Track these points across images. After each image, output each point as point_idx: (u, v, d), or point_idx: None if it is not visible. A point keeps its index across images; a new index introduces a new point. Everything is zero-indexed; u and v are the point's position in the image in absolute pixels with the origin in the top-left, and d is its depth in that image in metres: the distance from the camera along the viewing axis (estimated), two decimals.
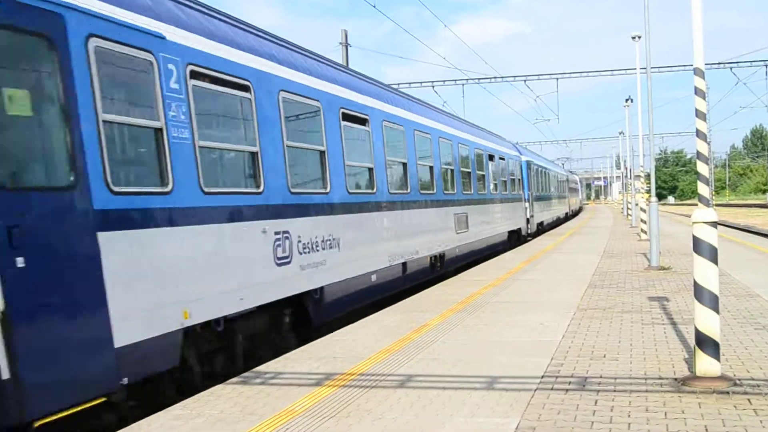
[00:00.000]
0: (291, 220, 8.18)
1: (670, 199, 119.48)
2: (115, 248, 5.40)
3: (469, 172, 17.45)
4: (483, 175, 19.08)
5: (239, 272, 7.04)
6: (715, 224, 5.47)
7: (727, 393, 5.13)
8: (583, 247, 19.60)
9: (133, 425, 5.06)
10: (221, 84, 7.13)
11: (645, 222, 20.18)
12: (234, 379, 6.27)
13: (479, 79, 38.16)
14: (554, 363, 6.23)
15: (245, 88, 7.50)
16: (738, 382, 5.39)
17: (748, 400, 4.96)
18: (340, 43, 25.06)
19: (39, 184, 5.01)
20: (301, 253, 8.35)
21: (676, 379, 5.53)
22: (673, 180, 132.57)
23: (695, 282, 5.52)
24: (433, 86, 37.81)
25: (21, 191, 4.75)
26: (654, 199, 15.78)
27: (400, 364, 6.43)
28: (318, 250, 8.85)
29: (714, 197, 66.35)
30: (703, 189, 5.61)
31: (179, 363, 6.17)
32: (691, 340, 6.14)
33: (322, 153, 9.29)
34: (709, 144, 6.23)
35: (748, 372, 5.69)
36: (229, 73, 7.21)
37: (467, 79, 38.48)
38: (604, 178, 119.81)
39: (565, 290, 10.82)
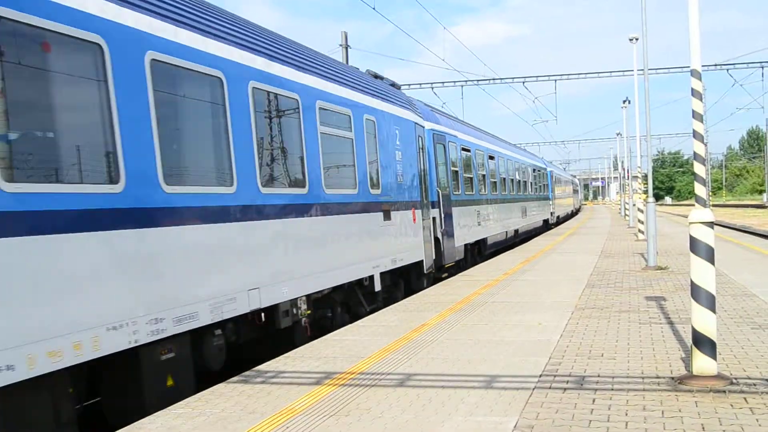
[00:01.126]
0: (480, 206, 18.85)
1: (668, 199, 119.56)
2: (458, 213, 15.80)
3: (526, 181, 29.04)
4: (531, 183, 30.77)
5: (469, 227, 17.12)
6: (711, 224, 5.51)
7: (724, 392, 5.17)
8: (581, 248, 19.66)
9: (135, 423, 5.10)
10: (466, 151, 17.90)
11: (642, 222, 20.24)
12: (235, 378, 6.30)
13: (478, 80, 38.19)
14: (552, 362, 6.27)
15: (468, 150, 18.30)
16: (734, 381, 5.43)
17: (745, 398, 5.01)
18: (340, 45, 25.07)
19: (447, 192, 15.38)
20: (484, 221, 19.16)
21: (673, 378, 5.57)
22: (670, 181, 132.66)
23: (692, 282, 5.56)
24: (432, 88, 37.85)
25: (442, 196, 14.68)
26: (651, 199, 15.85)
27: (399, 363, 6.47)
28: (486, 219, 19.53)
29: (711, 198, 66.43)
30: (699, 190, 5.65)
31: (463, 256, 16.21)
32: (688, 340, 6.19)
33: (483, 176, 20.04)
34: (705, 145, 6.28)
35: (744, 371, 5.73)
36: (468, 147, 18.15)
37: (466, 81, 38.51)
38: (602, 179, 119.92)
39: (563, 290, 10.87)
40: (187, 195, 6.23)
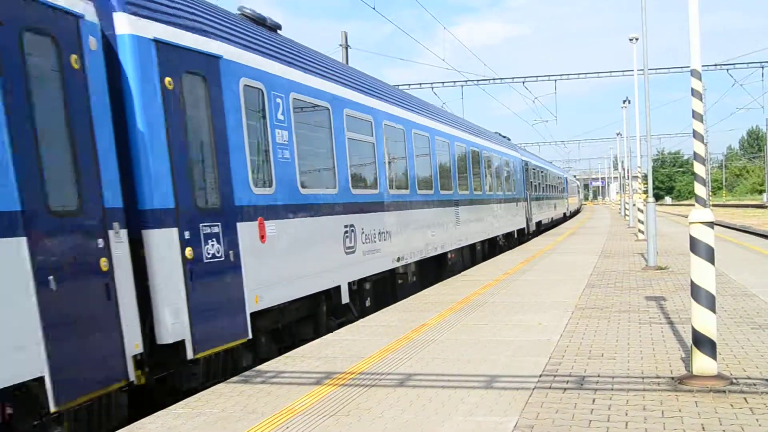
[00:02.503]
0: (539, 201, 31.54)
1: (668, 199, 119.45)
2: (532, 205, 28.47)
3: (554, 185, 39.79)
4: (556, 186, 41.16)
5: (536, 214, 29.69)
6: (711, 224, 5.51)
7: (724, 392, 5.18)
8: (581, 247, 19.66)
9: (135, 423, 5.10)
10: (533, 169, 30.37)
11: (642, 222, 20.25)
12: (235, 378, 6.30)
13: (478, 80, 38.18)
14: (552, 362, 6.27)
15: (534, 169, 31.04)
16: (734, 381, 5.43)
17: (745, 398, 5.01)
18: (340, 45, 25.08)
19: (529, 192, 28.14)
20: (540, 211, 31.57)
21: (673, 378, 5.58)
22: (670, 181, 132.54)
23: (692, 282, 5.57)
24: (432, 87, 37.82)
25: (528, 195, 27.75)
26: (651, 199, 15.85)
27: (399, 363, 6.47)
28: (540, 210, 31.92)
29: (711, 198, 66.39)
30: (699, 189, 5.65)
31: (536, 229, 29.53)
32: (688, 340, 6.19)
33: (539, 183, 32.51)
34: (706, 145, 6.28)
35: (744, 371, 5.74)
36: (534, 167, 30.82)
37: (466, 81, 38.48)
38: (602, 178, 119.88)
39: (563, 290, 10.87)
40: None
